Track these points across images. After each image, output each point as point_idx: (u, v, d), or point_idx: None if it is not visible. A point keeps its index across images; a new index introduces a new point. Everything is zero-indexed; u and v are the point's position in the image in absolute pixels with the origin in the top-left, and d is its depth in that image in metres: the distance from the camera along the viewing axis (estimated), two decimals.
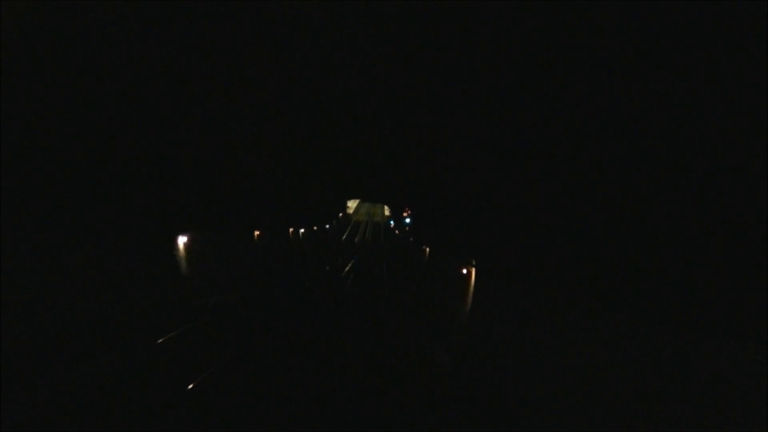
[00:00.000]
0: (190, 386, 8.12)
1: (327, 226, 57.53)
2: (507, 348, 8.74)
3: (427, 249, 23.40)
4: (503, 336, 9.11)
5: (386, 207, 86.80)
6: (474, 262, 10.47)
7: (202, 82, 21.24)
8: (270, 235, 29.72)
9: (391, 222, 71.25)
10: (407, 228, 45.53)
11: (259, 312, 16.01)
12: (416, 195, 38.32)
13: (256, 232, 25.86)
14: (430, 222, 26.62)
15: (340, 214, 76.21)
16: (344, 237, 61.81)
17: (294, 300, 18.74)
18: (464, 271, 10.92)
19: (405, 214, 47.85)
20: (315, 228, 48.04)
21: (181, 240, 16.25)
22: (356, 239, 61.14)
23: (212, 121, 22.87)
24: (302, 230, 39.84)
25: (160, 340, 10.71)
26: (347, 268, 32.78)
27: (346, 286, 24.15)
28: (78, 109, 13.42)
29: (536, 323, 7.90)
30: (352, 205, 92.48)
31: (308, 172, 46.40)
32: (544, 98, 9.37)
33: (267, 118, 32.50)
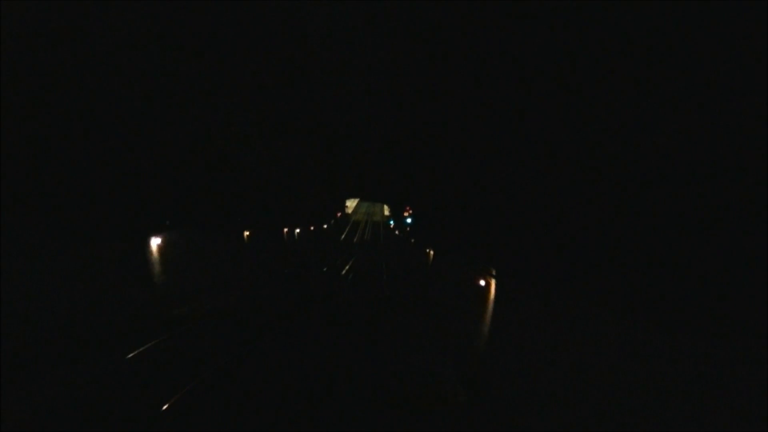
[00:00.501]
0: (165, 407, 7.24)
1: (324, 225, 55.80)
2: (538, 386, 6.89)
3: (431, 252, 21.51)
4: (533, 369, 7.26)
5: (386, 206, 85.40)
6: (494, 273, 8.62)
7: (198, 77, 19.83)
8: (262, 235, 27.86)
9: (391, 222, 69.75)
10: (408, 228, 43.73)
11: (243, 321, 14.17)
12: (418, 193, 36.64)
13: (246, 232, 23.98)
14: (433, 222, 24.82)
15: (339, 214, 74.62)
16: (343, 236, 60.11)
17: (285, 306, 16.88)
18: (482, 282, 9.05)
19: (406, 214, 46.08)
20: (312, 228, 46.21)
21: (155, 241, 14.36)
22: (355, 239, 59.42)
23: (206, 115, 21.23)
24: (298, 230, 38.00)
25: (130, 355, 9.61)
26: (346, 269, 31.02)
27: (344, 288, 22.37)
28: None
29: (579, 355, 6.06)
30: (351, 204, 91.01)
31: (306, 170, 44.85)
32: (550, 93, 8.94)
33: (265, 113, 30.90)
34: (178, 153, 18.24)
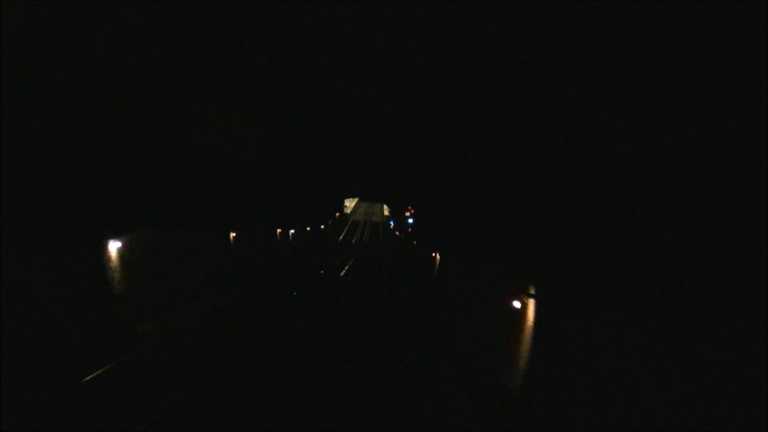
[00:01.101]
0: None
1: (322, 226, 53.56)
2: None
3: (437, 255, 19.28)
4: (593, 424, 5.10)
5: (385, 206, 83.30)
6: (533, 292, 6.43)
7: (194, 72, 18.10)
8: (252, 237, 25.64)
9: (391, 222, 67.65)
10: (410, 229, 41.48)
11: (220, 336, 12.02)
12: (420, 192, 34.45)
13: (232, 234, 21.75)
14: (439, 223, 22.65)
15: (337, 214, 72.42)
16: (341, 238, 57.93)
17: (273, 317, 14.70)
18: (515, 304, 6.84)
19: (408, 214, 43.84)
20: (308, 228, 43.97)
21: (114, 245, 12.13)
22: (353, 240, 57.24)
23: (191, 108, 19.24)
24: (292, 231, 35.78)
25: (86, 378, 8.52)
26: (343, 272, 28.88)
27: (340, 298, 20.26)
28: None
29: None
30: (349, 204, 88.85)
31: (303, 168, 42.68)
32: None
33: (261, 109, 28.93)
34: (154, 146, 16.02)
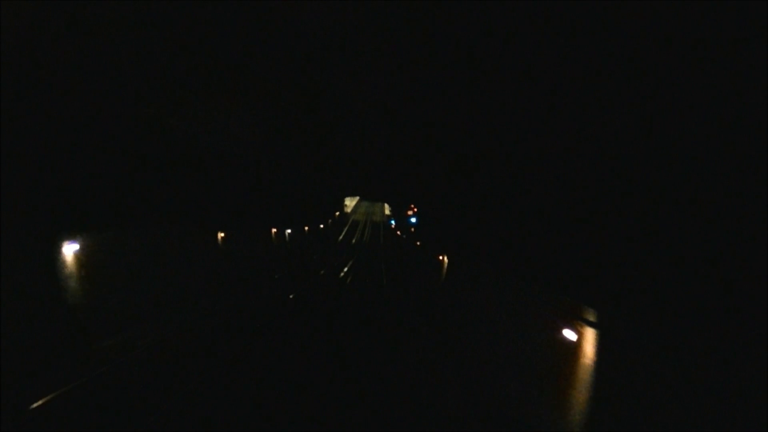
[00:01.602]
0: None
1: (321, 226, 51.75)
2: None
3: (445, 258, 17.45)
4: None
5: (386, 205, 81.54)
6: (594, 320, 4.63)
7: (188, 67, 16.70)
8: (244, 237, 23.88)
9: (392, 222, 65.92)
10: (413, 228, 39.67)
11: (198, 353, 10.37)
12: (423, 189, 32.71)
13: (221, 234, 19.96)
14: (446, 222, 20.88)
15: (337, 213, 70.61)
16: (341, 238, 56.21)
17: (264, 329, 13.03)
18: (567, 335, 5.02)
19: (410, 213, 42.01)
20: (307, 228, 42.18)
21: (71, 248, 10.32)
22: (353, 240, 55.53)
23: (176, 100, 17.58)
24: (289, 231, 33.99)
25: (35, 404, 7.17)
26: (343, 273, 27.22)
27: (341, 297, 18.69)
28: None
29: None
30: (350, 203, 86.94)
31: (302, 166, 40.96)
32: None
33: (258, 106, 27.39)
34: (126, 133, 14.23)
